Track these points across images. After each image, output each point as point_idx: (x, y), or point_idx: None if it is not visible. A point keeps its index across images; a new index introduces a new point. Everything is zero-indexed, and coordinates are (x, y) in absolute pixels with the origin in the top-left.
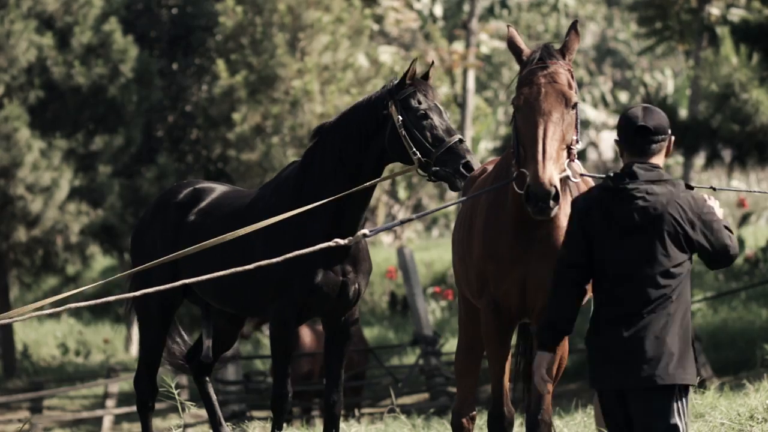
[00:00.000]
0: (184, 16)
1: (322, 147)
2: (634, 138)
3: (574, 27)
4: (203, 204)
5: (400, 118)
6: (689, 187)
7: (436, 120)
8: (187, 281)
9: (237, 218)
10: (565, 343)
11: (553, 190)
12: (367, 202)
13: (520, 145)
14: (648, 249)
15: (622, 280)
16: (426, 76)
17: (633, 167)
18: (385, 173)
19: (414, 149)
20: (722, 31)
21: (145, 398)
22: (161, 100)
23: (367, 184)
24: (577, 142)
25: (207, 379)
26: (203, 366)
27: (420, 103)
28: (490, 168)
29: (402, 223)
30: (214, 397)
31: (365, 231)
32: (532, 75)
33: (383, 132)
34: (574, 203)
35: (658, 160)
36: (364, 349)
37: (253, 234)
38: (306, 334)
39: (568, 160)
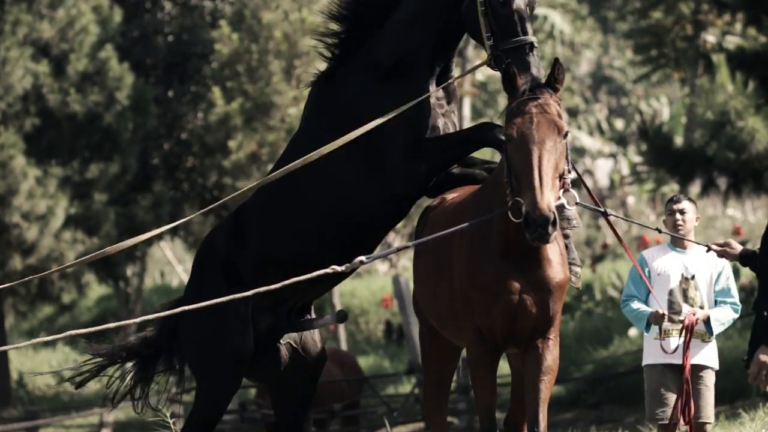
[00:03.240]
0: (180, 43)
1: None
2: None
3: (557, 65)
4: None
5: None
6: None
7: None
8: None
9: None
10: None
11: (552, 216)
12: None
13: (513, 175)
14: None
15: None
16: None
17: None
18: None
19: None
20: (718, 58)
21: None
22: (157, 128)
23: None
24: (569, 171)
25: None
26: None
27: None
28: (450, 198)
29: (398, 250)
30: None
31: (362, 258)
32: (524, 105)
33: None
34: None
35: None
36: (360, 378)
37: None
38: None
39: (562, 189)
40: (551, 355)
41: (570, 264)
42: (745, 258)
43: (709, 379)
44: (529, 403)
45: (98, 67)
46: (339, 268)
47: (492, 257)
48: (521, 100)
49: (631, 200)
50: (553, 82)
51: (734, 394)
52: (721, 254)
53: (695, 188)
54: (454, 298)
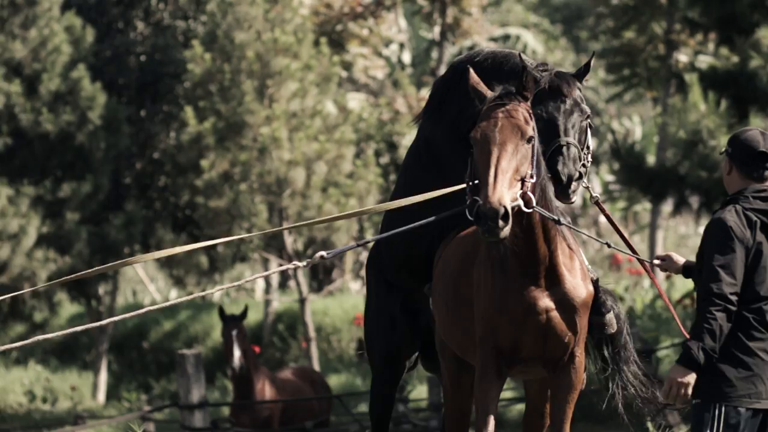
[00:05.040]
0: (153, 63)
1: None
2: (753, 162)
3: (525, 73)
4: None
5: None
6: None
7: None
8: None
9: None
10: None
11: (502, 210)
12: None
13: (476, 177)
14: None
15: None
16: None
17: None
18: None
19: None
20: (690, 77)
21: None
22: (129, 147)
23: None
24: (532, 177)
25: None
26: None
27: None
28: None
29: (358, 245)
30: None
31: (323, 253)
32: (490, 111)
33: None
34: (725, 229)
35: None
36: (331, 396)
37: None
38: (264, 381)
39: (521, 191)
40: (576, 374)
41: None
42: (687, 270)
43: None
44: (553, 422)
45: (70, 86)
46: (300, 264)
47: (513, 279)
48: (489, 106)
49: (603, 219)
50: (521, 90)
51: None
52: (663, 268)
53: (667, 207)
54: (474, 322)
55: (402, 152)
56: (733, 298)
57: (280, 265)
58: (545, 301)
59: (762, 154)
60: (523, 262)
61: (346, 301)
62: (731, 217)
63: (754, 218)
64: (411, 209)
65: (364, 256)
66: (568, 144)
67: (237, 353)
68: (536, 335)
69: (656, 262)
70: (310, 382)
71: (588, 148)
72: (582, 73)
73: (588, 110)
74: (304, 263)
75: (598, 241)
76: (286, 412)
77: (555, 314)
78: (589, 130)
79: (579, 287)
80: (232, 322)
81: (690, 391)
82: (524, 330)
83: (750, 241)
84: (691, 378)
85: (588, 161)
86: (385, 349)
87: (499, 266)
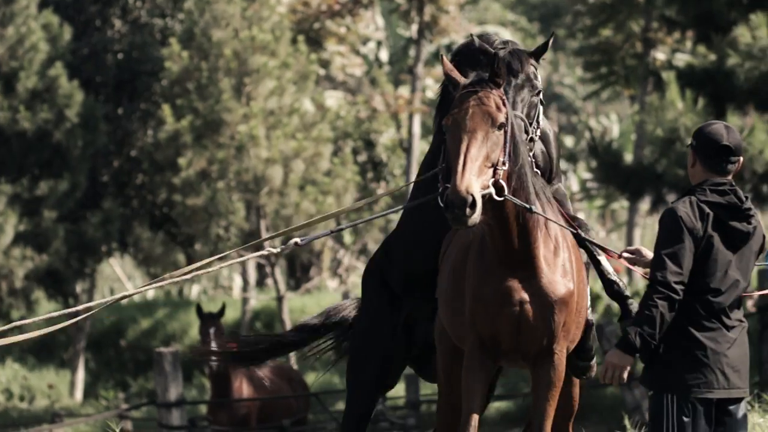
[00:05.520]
0: (130, 61)
1: None
2: (716, 156)
3: (497, 60)
4: None
5: None
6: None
7: None
8: None
9: None
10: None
11: (470, 198)
12: None
13: (447, 163)
14: (747, 264)
15: (727, 294)
16: None
17: (734, 186)
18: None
19: None
20: (667, 75)
21: None
22: (106, 145)
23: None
24: (504, 164)
25: None
26: None
27: None
28: None
29: (332, 233)
30: None
31: (297, 240)
32: (462, 99)
33: None
34: (675, 219)
35: (731, 177)
36: (309, 394)
37: None
38: (242, 379)
39: (493, 179)
40: (555, 370)
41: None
42: None
43: None
44: (533, 419)
45: (48, 84)
46: (274, 250)
47: (493, 269)
48: (462, 94)
49: (581, 217)
50: (494, 77)
51: None
52: (632, 262)
53: (645, 205)
54: (466, 310)
55: (379, 150)
56: (678, 287)
57: (258, 259)
58: (520, 293)
59: (725, 148)
60: (499, 252)
61: (323, 299)
62: (683, 207)
63: (708, 211)
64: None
65: (342, 254)
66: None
67: None
68: (511, 326)
69: (625, 255)
70: (287, 380)
71: (537, 123)
72: (540, 51)
73: (539, 86)
74: (278, 249)
75: (569, 229)
76: (264, 410)
77: (529, 307)
78: (540, 106)
79: (557, 284)
80: (209, 320)
81: (625, 374)
82: (499, 320)
83: (700, 233)
84: (627, 362)
85: (536, 135)
86: (382, 356)
87: (480, 255)
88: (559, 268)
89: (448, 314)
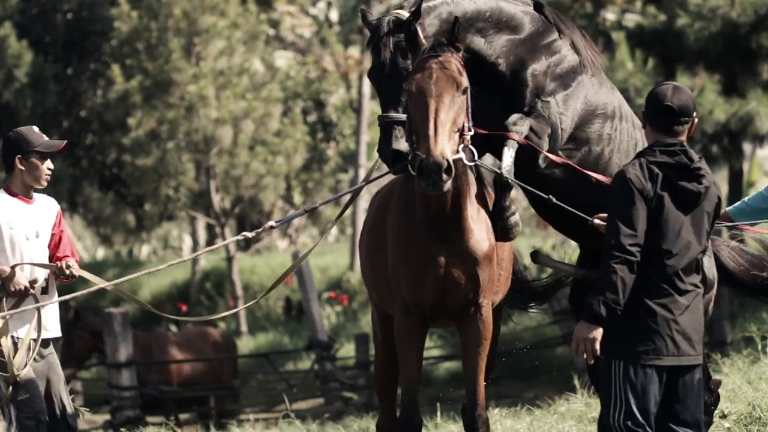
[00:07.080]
0: (79, 20)
1: None
2: (659, 116)
3: (457, 23)
4: None
5: None
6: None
7: None
8: None
9: None
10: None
11: (445, 163)
12: None
13: (413, 130)
14: (701, 226)
15: (679, 257)
16: None
17: (684, 147)
18: None
19: None
20: (617, 36)
21: None
22: (56, 105)
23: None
24: (470, 129)
25: None
26: None
27: None
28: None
29: (306, 212)
30: None
31: (272, 223)
32: (424, 63)
33: None
34: (625, 182)
35: (682, 138)
36: (259, 354)
37: None
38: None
39: (462, 144)
40: (483, 323)
41: (505, 218)
42: None
43: None
44: (466, 377)
45: None
46: (249, 234)
47: (418, 231)
48: (422, 58)
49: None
50: (453, 41)
51: None
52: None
53: None
54: (388, 271)
55: (329, 110)
56: (634, 249)
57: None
58: (446, 254)
59: (667, 107)
60: (432, 215)
61: (273, 260)
62: (633, 170)
63: (657, 171)
64: None
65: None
66: None
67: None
68: (435, 287)
69: (596, 221)
70: (211, 344)
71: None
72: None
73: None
74: (253, 233)
75: (541, 195)
76: (183, 374)
77: (454, 267)
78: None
79: (482, 241)
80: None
81: (597, 346)
82: (424, 281)
83: (650, 193)
84: (597, 333)
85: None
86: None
87: (405, 217)
88: (484, 224)
89: (367, 268)
